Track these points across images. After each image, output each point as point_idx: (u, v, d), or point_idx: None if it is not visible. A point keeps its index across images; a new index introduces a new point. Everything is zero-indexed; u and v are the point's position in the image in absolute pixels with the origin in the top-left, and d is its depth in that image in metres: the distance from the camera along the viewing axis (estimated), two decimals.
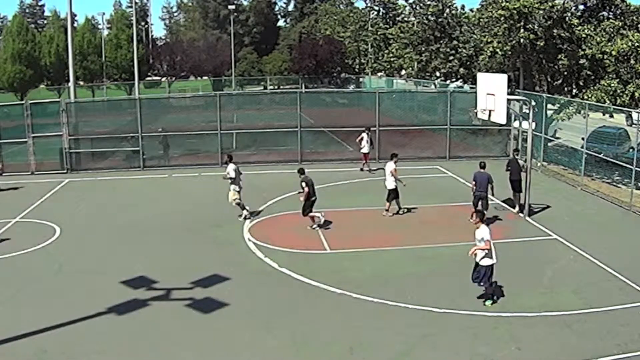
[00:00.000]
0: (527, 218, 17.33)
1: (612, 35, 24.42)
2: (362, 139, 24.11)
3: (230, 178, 17.40)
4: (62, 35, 57.89)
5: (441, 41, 39.55)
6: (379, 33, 65.50)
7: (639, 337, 10.37)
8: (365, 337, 10.57)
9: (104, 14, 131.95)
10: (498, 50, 26.47)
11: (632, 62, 22.88)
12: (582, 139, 22.00)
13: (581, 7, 27.02)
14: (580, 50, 24.72)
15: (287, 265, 13.85)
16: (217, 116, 25.76)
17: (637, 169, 18.50)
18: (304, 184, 16.31)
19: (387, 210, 17.74)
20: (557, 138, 27.49)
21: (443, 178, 23.26)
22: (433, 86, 43.64)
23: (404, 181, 17.96)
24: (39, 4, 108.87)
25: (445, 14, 40.35)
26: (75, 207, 19.45)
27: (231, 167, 17.44)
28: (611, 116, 28.46)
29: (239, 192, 17.51)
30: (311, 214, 16.56)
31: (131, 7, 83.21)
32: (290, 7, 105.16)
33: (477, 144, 28.16)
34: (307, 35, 79.67)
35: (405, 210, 18.12)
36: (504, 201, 18.78)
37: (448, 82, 41.71)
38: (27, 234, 16.57)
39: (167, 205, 19.52)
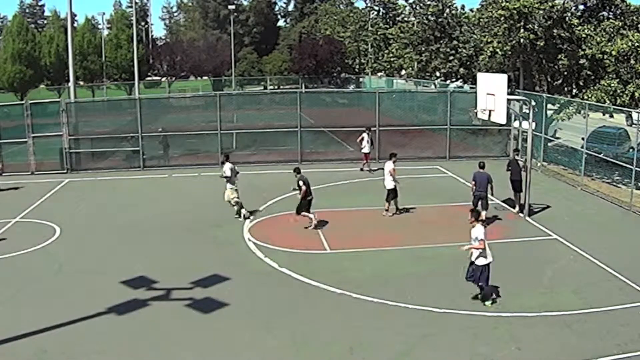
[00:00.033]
0: (527, 218, 17.33)
1: (612, 35, 24.43)
2: (362, 139, 24.14)
3: (226, 177, 17.46)
4: (62, 35, 57.90)
5: (441, 41, 39.55)
6: (379, 33, 65.51)
7: (639, 337, 10.37)
8: (365, 337, 10.57)
9: (104, 14, 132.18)
10: (498, 50, 26.47)
11: (632, 62, 22.89)
12: (582, 139, 22.00)
13: (581, 7, 27.03)
14: (580, 50, 24.72)
15: (287, 265, 13.85)
16: (217, 116, 25.76)
17: (637, 169, 18.50)
18: (301, 183, 16.32)
19: (387, 210, 17.74)
20: (557, 138, 27.50)
21: (443, 178, 23.26)
22: (433, 86, 43.64)
23: (401, 182, 17.97)
24: (39, 4, 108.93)
25: (445, 14, 40.34)
26: (75, 207, 19.46)
27: (227, 166, 17.51)
28: (611, 116, 28.46)
29: (236, 190, 17.54)
30: (304, 213, 16.54)
31: (131, 7, 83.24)
32: (290, 7, 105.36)
33: (477, 144, 28.16)
34: (307, 35, 79.67)
35: (405, 210, 18.13)
36: (503, 201, 18.78)
37: (448, 82, 41.72)
38: (27, 234, 16.57)
39: (167, 205, 19.53)
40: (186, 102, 41.19)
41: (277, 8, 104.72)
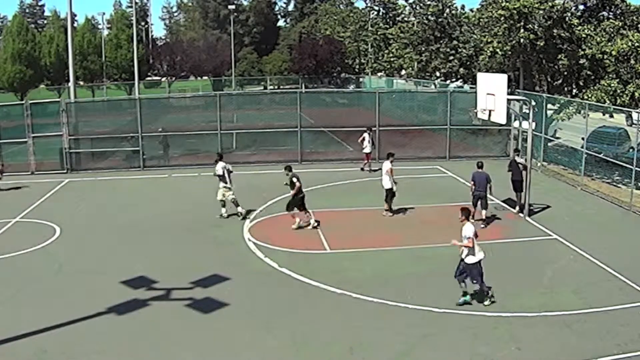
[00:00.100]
0: (527, 218, 17.33)
1: (612, 35, 24.43)
2: (364, 139, 24.15)
3: (218, 175, 17.53)
4: (62, 35, 57.92)
5: (441, 41, 39.55)
6: (379, 33, 65.53)
7: (639, 337, 10.37)
8: (365, 337, 10.57)
9: (104, 14, 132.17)
10: (498, 50, 26.47)
11: (632, 62, 22.89)
12: (582, 139, 22.00)
13: (581, 7, 27.03)
14: (580, 50, 24.72)
15: (287, 265, 13.85)
16: (217, 116, 25.76)
17: (637, 169, 18.50)
18: (295, 179, 16.32)
19: (386, 210, 17.74)
20: (557, 138, 27.50)
21: (443, 178, 23.26)
22: (433, 86, 43.64)
23: (401, 182, 17.95)
24: (39, 4, 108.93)
25: (445, 14, 40.35)
26: (75, 207, 19.46)
27: (220, 166, 17.58)
28: (611, 116, 28.47)
29: (229, 189, 17.57)
30: (296, 211, 16.53)
31: (131, 7, 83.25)
32: (290, 7, 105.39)
33: (477, 144, 28.16)
34: (307, 35, 79.69)
35: (404, 210, 18.13)
36: (503, 201, 18.79)
37: (448, 82, 41.72)
38: (27, 234, 16.57)
39: (167, 205, 19.53)
40: (186, 102, 41.19)
41: (277, 8, 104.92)
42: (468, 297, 11.62)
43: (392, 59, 52.93)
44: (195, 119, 32.04)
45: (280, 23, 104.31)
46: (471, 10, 42.78)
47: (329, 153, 27.60)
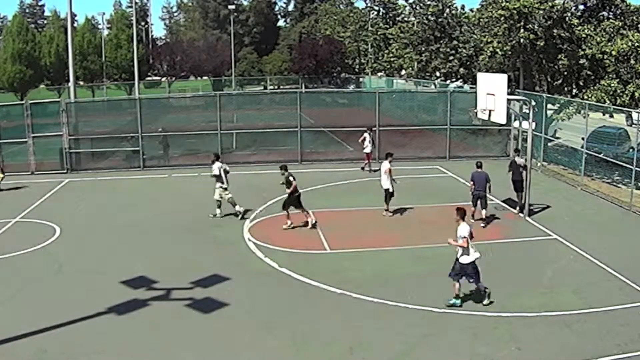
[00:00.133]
0: (527, 218, 17.33)
1: (612, 35, 24.43)
2: (364, 139, 24.16)
3: (215, 176, 17.55)
4: (62, 35, 57.91)
5: (441, 41, 39.55)
6: (379, 33, 65.53)
7: (639, 337, 10.37)
8: (365, 337, 10.57)
9: (104, 14, 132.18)
10: (498, 50, 26.47)
11: (632, 62, 22.90)
12: (582, 139, 22.00)
13: (581, 7, 27.04)
14: (580, 50, 24.72)
15: (287, 265, 13.85)
16: (217, 116, 25.76)
17: (637, 169, 18.50)
18: (291, 178, 16.32)
19: (386, 210, 17.75)
20: (557, 138, 27.50)
21: (443, 178, 23.26)
22: (433, 86, 43.64)
23: (401, 182, 17.94)
24: (39, 4, 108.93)
25: (445, 14, 40.35)
26: (75, 207, 19.45)
27: (216, 166, 17.62)
28: (611, 116, 28.47)
29: (226, 189, 17.57)
30: (291, 210, 16.52)
31: (131, 7, 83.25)
32: (290, 7, 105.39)
33: (477, 144, 28.16)
34: (307, 35, 79.70)
35: (404, 210, 18.13)
36: (503, 201, 18.79)
37: (448, 82, 41.72)
38: (27, 234, 16.57)
39: (167, 205, 19.53)
40: (186, 102, 41.20)
41: (277, 8, 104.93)
42: (459, 301, 11.57)
43: (392, 59, 52.93)
44: (195, 119, 32.04)
45: (280, 23, 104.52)
46: (471, 10, 42.85)
47: (329, 153, 27.60)
